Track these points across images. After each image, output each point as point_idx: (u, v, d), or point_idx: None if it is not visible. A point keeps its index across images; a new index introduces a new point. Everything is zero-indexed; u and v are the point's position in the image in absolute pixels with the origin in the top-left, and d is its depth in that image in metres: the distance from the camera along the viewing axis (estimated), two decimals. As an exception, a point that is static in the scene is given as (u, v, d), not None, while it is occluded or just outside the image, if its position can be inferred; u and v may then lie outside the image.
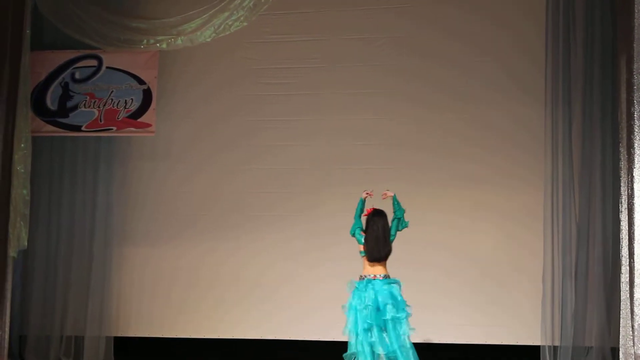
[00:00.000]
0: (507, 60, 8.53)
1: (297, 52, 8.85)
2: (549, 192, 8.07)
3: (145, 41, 8.38)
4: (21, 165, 8.21)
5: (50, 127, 8.68)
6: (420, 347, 8.25)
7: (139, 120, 8.60)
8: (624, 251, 7.28)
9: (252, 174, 8.88)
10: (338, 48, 8.80)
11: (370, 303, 6.57)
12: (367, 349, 6.52)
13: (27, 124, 8.31)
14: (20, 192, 8.17)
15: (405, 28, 8.72)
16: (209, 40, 8.23)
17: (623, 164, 7.37)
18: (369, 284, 6.66)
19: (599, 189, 7.96)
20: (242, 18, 8.10)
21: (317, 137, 8.80)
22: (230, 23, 8.12)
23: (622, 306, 7.25)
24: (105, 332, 8.72)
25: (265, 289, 8.68)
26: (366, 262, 6.77)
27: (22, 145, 8.22)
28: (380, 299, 6.59)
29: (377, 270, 6.73)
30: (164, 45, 8.34)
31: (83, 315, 8.74)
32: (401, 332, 6.52)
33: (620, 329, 7.25)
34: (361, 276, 6.79)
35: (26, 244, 8.20)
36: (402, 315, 6.56)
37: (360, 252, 6.81)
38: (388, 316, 6.53)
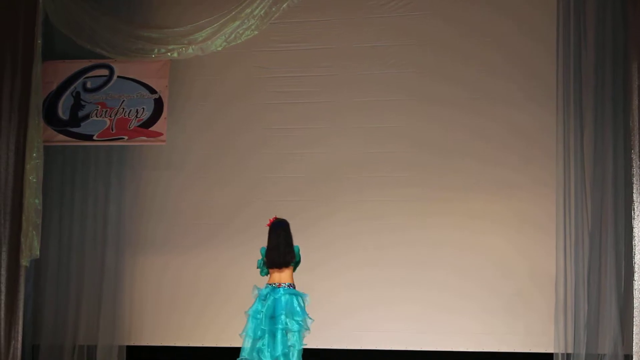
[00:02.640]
0: (522, 60, 8.45)
1: (308, 60, 8.82)
2: (560, 200, 8.02)
3: (156, 50, 8.39)
4: (33, 174, 8.21)
5: (62, 137, 8.69)
6: (431, 355, 8.33)
7: (150, 129, 8.60)
8: (637, 258, 7.33)
9: (268, 182, 8.83)
10: (349, 55, 8.78)
11: (264, 310, 6.55)
12: (255, 355, 6.52)
13: (39, 134, 8.30)
14: (32, 201, 8.17)
15: (416, 33, 8.68)
16: (220, 49, 8.23)
17: (635, 170, 7.40)
18: (271, 292, 6.63)
19: (610, 196, 7.91)
20: (253, 27, 8.11)
21: (332, 144, 8.76)
22: (241, 32, 8.13)
23: (636, 313, 7.27)
24: (117, 341, 8.72)
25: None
26: (272, 271, 6.73)
27: (34, 154, 8.22)
28: (276, 308, 6.56)
29: (283, 278, 6.66)
30: (175, 55, 8.35)
31: (95, 324, 8.73)
32: (289, 343, 6.47)
33: (634, 336, 7.27)
34: (267, 284, 6.75)
35: (38, 253, 8.18)
36: (294, 327, 6.51)
37: (263, 268, 6.75)
38: (279, 325, 6.50)
